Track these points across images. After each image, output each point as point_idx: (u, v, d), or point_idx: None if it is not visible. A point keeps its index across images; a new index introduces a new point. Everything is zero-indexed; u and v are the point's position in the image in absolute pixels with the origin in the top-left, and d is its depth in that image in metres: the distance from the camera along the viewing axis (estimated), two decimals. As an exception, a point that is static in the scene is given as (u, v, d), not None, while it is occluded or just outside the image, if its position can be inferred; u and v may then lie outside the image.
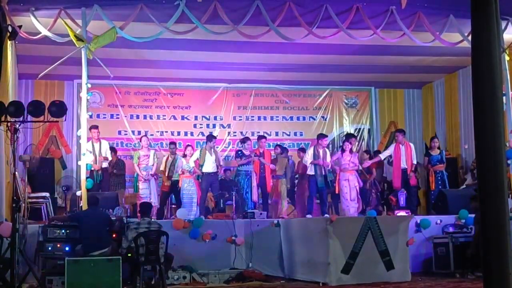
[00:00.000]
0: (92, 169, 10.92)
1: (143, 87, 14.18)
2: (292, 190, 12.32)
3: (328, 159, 11.48)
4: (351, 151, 11.59)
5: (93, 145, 11.21)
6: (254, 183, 11.40)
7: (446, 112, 14.30)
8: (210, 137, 11.84)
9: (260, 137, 12.27)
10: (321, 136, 11.82)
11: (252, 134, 13.76)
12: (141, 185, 11.47)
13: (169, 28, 9.75)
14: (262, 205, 11.65)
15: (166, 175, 11.70)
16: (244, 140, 12.02)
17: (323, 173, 11.32)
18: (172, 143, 12.27)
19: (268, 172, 11.67)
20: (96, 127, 11.46)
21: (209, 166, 11.48)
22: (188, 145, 11.88)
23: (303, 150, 12.58)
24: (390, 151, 12.07)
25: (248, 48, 11.40)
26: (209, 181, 11.47)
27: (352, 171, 11.39)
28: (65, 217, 9.33)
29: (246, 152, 11.66)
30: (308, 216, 10.94)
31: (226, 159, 13.85)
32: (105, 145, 11.58)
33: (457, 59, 12.37)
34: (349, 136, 12.60)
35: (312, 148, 11.61)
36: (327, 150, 11.80)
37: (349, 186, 11.24)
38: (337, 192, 11.46)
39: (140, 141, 11.85)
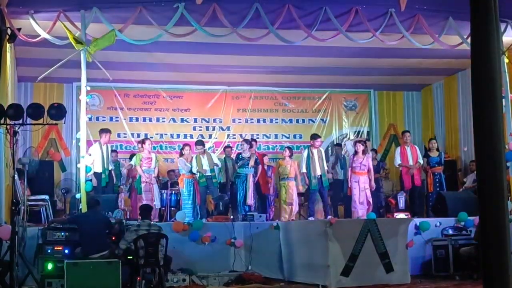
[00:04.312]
0: (99, 171, 10.87)
1: (143, 90, 14.17)
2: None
3: (324, 160, 11.45)
4: (363, 152, 11.36)
5: (101, 148, 11.02)
6: (250, 186, 11.36)
7: (445, 115, 14.30)
8: (200, 143, 11.76)
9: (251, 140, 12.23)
10: (314, 136, 11.79)
11: (252, 136, 13.73)
12: (144, 187, 11.41)
13: (168, 31, 9.75)
14: (259, 207, 11.61)
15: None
16: (244, 141, 12.00)
17: (317, 175, 11.28)
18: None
19: (264, 175, 11.63)
20: (108, 131, 11.38)
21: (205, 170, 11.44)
22: (186, 145, 11.80)
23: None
24: (398, 154, 11.95)
25: (247, 50, 11.39)
26: (206, 184, 11.42)
27: (363, 173, 11.23)
28: (65, 219, 9.33)
29: (246, 155, 11.62)
30: (311, 218, 10.93)
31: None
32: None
33: (456, 62, 12.37)
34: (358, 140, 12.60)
35: (306, 150, 11.59)
36: (322, 150, 11.78)
37: (359, 188, 11.17)
38: (349, 194, 11.39)
39: (144, 143, 11.65)
